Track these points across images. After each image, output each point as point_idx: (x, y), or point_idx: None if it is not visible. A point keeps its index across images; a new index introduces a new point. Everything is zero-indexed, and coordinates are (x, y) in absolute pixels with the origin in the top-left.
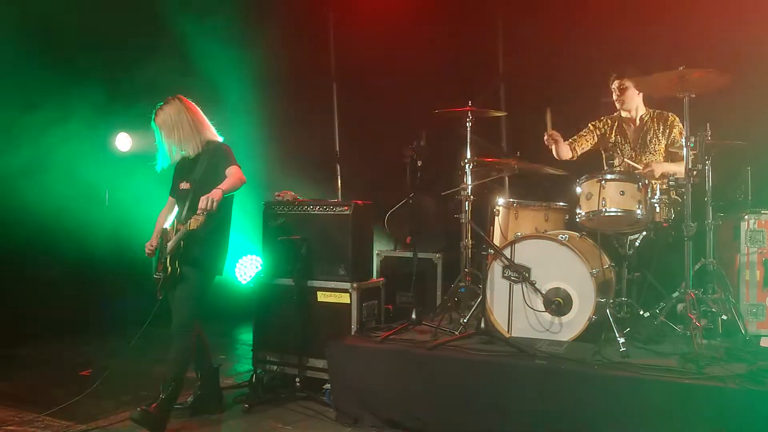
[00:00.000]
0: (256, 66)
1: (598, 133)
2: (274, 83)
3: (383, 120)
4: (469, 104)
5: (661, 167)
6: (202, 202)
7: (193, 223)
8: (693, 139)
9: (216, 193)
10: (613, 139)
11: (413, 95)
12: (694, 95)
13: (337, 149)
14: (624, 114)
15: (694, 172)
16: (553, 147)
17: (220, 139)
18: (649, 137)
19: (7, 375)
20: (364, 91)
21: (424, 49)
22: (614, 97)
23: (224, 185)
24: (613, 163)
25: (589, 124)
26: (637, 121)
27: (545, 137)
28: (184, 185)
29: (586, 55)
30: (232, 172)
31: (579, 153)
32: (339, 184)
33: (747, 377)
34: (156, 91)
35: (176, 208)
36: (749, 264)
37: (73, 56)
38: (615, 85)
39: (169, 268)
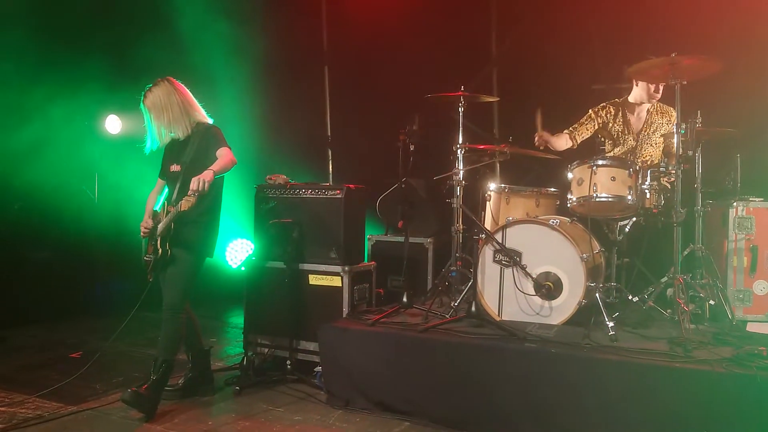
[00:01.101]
0: (248, 48)
1: (600, 121)
2: (265, 66)
3: (375, 104)
4: (462, 89)
5: None
6: (194, 184)
7: (185, 204)
8: (684, 126)
9: (207, 175)
10: (616, 128)
11: (405, 79)
12: (685, 82)
13: (329, 133)
14: (630, 99)
15: (684, 159)
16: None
17: (210, 120)
18: (653, 128)
19: None
20: (356, 74)
21: (417, 32)
22: (651, 89)
23: (215, 166)
24: (605, 149)
25: (590, 111)
26: (644, 113)
27: (536, 139)
28: (175, 167)
29: (579, 41)
30: (223, 154)
31: (579, 141)
32: (330, 168)
33: (734, 361)
34: (146, 72)
35: (166, 190)
36: (737, 250)
37: (64, 37)
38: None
39: (160, 250)
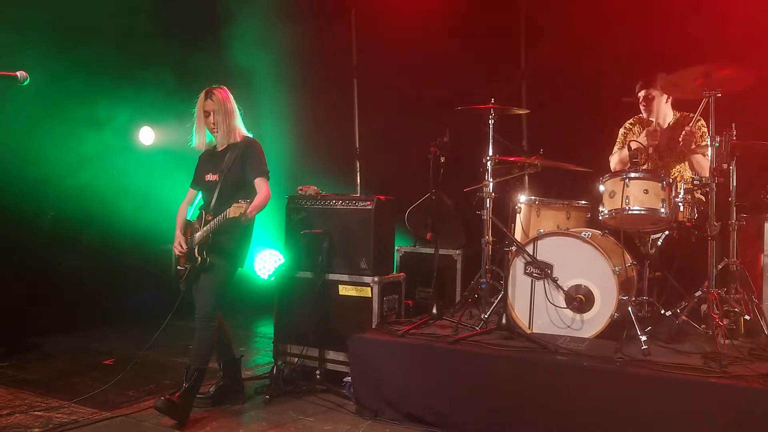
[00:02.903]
0: (278, 61)
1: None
2: (296, 79)
3: (403, 117)
4: (492, 101)
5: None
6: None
7: (235, 210)
8: (718, 139)
9: (251, 212)
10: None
11: (433, 93)
12: (720, 94)
13: (357, 145)
14: (651, 118)
15: (719, 172)
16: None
17: (249, 134)
18: (674, 143)
19: (33, 363)
20: (384, 88)
21: (446, 46)
22: (641, 106)
23: (254, 205)
24: (637, 161)
25: (620, 134)
26: (667, 128)
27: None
28: (211, 176)
29: (608, 53)
30: (260, 189)
31: None
32: (358, 180)
33: None
34: (180, 84)
35: (197, 200)
36: None
37: (98, 49)
38: (642, 93)
39: (199, 258)
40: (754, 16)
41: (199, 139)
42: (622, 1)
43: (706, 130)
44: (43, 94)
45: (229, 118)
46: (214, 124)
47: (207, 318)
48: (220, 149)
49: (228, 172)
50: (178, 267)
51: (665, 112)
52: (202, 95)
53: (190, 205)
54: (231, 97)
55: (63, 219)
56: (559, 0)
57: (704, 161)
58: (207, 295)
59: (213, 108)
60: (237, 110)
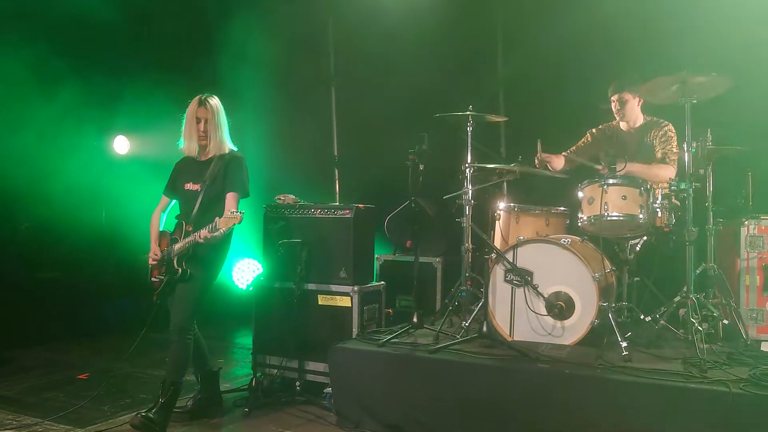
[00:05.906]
0: (255, 69)
1: (596, 142)
2: (272, 87)
3: (381, 124)
4: (470, 109)
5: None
6: (203, 233)
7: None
8: (694, 145)
9: (217, 233)
10: (611, 151)
11: (412, 100)
12: (695, 101)
13: (336, 153)
14: (623, 125)
15: (695, 177)
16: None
17: (235, 148)
18: (643, 149)
19: (5, 378)
20: (363, 95)
21: (423, 53)
22: (614, 109)
23: (222, 227)
24: (615, 168)
25: (587, 134)
26: (635, 134)
27: (536, 161)
28: (191, 186)
29: (585, 60)
30: (229, 206)
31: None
32: (337, 188)
33: (750, 381)
34: (155, 94)
35: (170, 208)
36: (749, 269)
37: (75, 56)
38: (615, 98)
39: (179, 269)
40: (730, 24)
41: (187, 144)
42: (597, 9)
43: (673, 135)
44: (14, 103)
45: (219, 129)
46: (203, 132)
47: (183, 330)
48: (203, 159)
49: (211, 183)
50: (153, 278)
51: (636, 115)
52: (195, 101)
53: (163, 212)
54: (222, 108)
55: (37, 230)
56: (536, 8)
57: (662, 170)
58: (183, 306)
59: (205, 116)
60: (226, 123)
